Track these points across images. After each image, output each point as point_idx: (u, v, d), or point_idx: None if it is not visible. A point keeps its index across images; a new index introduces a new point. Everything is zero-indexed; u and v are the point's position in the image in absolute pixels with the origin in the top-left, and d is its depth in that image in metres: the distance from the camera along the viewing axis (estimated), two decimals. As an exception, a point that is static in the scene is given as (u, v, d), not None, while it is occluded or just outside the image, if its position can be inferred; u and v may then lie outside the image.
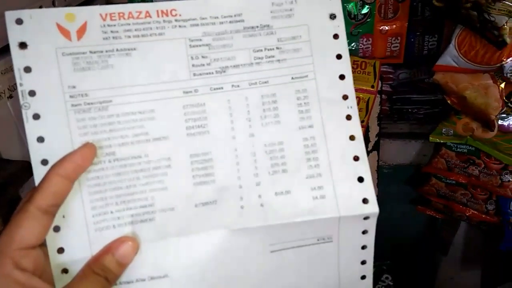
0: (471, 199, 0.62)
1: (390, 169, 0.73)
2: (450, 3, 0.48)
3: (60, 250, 0.25)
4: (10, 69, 0.41)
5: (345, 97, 0.28)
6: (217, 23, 0.27)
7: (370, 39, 0.62)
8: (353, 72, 0.62)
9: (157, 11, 0.27)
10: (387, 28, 0.61)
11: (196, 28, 0.27)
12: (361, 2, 0.60)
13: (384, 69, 0.66)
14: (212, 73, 0.27)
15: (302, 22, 0.28)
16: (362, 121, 0.61)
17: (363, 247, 0.28)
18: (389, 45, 0.62)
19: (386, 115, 0.69)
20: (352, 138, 0.28)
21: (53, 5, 0.44)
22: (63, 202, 0.24)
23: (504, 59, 0.47)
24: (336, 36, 0.28)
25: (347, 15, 0.61)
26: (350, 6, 0.61)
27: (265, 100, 0.27)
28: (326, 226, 0.27)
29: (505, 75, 0.48)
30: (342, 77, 0.28)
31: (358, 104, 0.60)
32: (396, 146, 0.71)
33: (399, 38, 0.62)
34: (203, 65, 0.27)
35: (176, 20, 0.27)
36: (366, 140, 0.65)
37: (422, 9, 0.60)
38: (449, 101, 0.56)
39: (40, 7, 0.41)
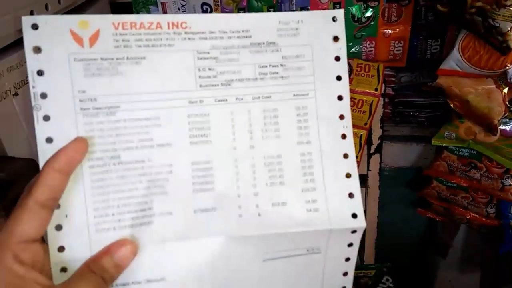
0: (471, 202, 0.62)
1: (391, 172, 0.73)
2: (454, 8, 0.48)
3: (61, 249, 0.25)
4: (15, 66, 0.41)
5: (341, 117, 0.29)
6: (225, 37, 0.28)
7: (373, 42, 0.63)
8: (356, 75, 0.62)
9: (168, 23, 0.27)
10: (390, 31, 0.62)
11: (205, 41, 0.28)
12: (365, 5, 0.60)
13: (386, 72, 0.66)
14: (218, 85, 0.28)
15: (306, 42, 0.29)
16: (365, 124, 0.61)
17: (347, 259, 0.30)
18: (392, 48, 0.63)
19: (388, 118, 0.69)
20: (345, 156, 0.29)
21: (46, 9, 0.44)
22: (61, 196, 0.24)
23: (508, 65, 0.48)
24: (337, 58, 0.29)
25: (351, 18, 0.61)
26: (354, 9, 0.61)
27: (267, 114, 0.28)
28: (317, 238, 0.28)
29: (508, 80, 0.49)
30: (340, 97, 0.29)
31: (361, 106, 0.60)
32: (397, 149, 0.72)
33: (402, 41, 0.62)
34: (210, 77, 0.28)
35: (185, 33, 0.28)
36: (369, 142, 0.65)
37: (426, 14, 0.60)
38: (452, 105, 0.56)
39: (31, 11, 0.41)
